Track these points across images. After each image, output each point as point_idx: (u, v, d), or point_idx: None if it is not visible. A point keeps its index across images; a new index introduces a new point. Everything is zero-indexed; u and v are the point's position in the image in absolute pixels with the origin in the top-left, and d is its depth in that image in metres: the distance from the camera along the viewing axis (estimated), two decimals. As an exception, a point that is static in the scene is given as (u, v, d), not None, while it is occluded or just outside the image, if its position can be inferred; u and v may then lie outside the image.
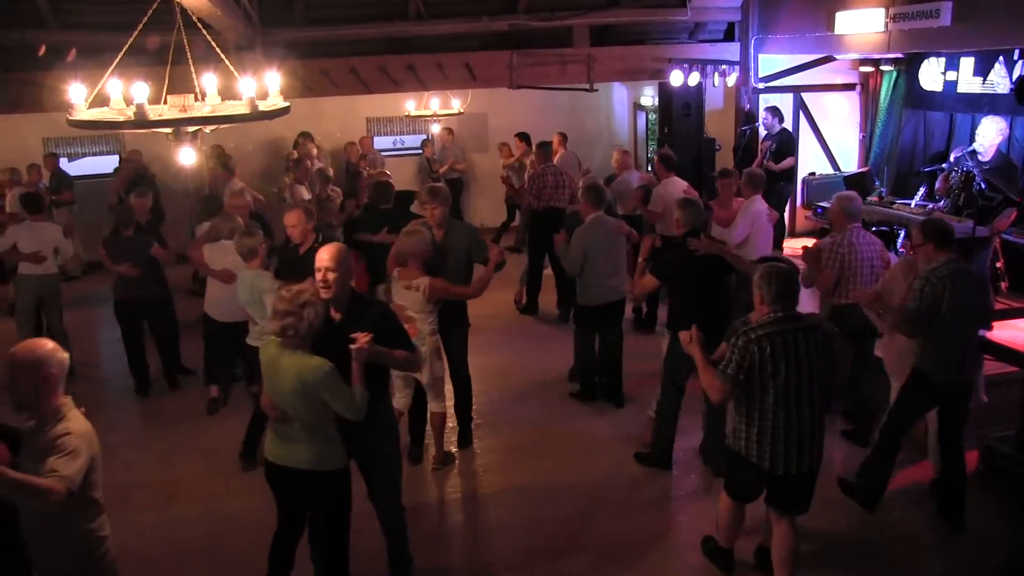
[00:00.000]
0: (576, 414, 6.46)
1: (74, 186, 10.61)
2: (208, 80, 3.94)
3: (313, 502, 3.89)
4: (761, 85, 9.76)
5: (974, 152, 7.02)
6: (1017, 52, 7.31)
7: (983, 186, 6.79)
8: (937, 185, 7.72)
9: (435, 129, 11.96)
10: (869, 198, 8.44)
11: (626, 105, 13.40)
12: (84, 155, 11.94)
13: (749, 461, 3.92)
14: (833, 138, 10.22)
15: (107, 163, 11.82)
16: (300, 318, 3.58)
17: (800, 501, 4.04)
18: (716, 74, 9.71)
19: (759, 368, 3.73)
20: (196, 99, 3.92)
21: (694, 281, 5.17)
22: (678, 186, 7.74)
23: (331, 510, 3.88)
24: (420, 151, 12.41)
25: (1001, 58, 7.76)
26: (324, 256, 3.86)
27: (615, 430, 6.13)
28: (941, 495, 4.88)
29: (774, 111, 9.20)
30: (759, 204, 6.81)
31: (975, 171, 6.93)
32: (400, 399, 5.34)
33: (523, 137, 10.58)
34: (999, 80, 7.85)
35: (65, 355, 3.11)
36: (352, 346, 3.64)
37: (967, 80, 8.32)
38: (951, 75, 8.54)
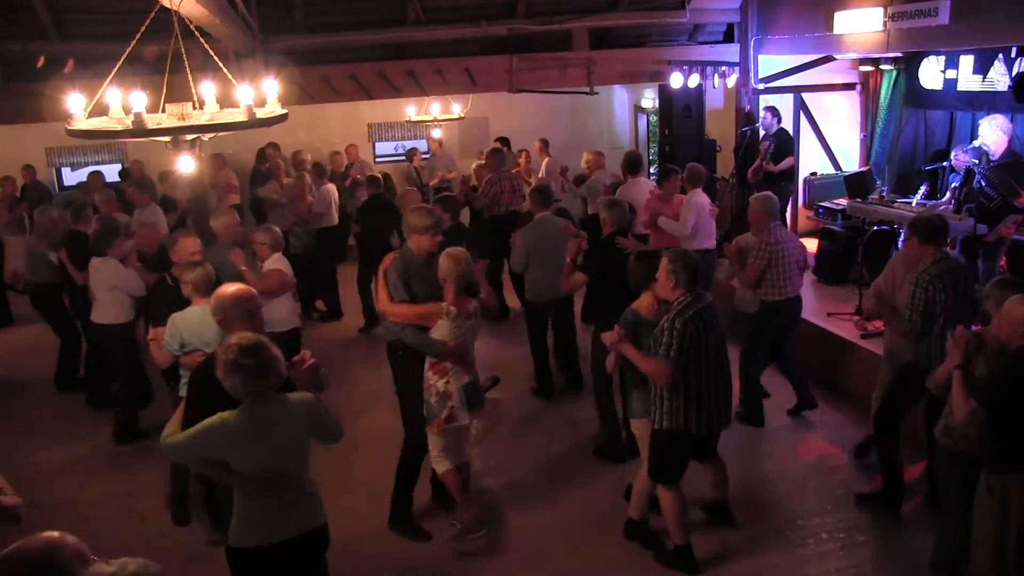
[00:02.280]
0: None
1: (53, 198, 10.64)
2: (206, 88, 3.96)
3: (321, 560, 3.48)
4: (761, 86, 9.76)
5: (983, 151, 7.02)
6: (1015, 50, 7.29)
7: (983, 183, 6.75)
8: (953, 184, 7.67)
9: (436, 135, 11.99)
10: (871, 197, 8.43)
11: (627, 107, 13.43)
12: (87, 164, 12.00)
13: (687, 433, 4.23)
14: (834, 138, 10.20)
15: (110, 172, 11.86)
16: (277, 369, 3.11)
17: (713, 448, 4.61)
18: (716, 75, 9.72)
19: (695, 345, 4.10)
20: (194, 107, 3.94)
21: (622, 278, 5.20)
22: (644, 187, 7.95)
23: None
24: (407, 160, 12.42)
25: (1000, 56, 7.75)
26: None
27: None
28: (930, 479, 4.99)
29: (772, 111, 9.21)
30: (700, 197, 7.26)
31: (975, 168, 6.90)
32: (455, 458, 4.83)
33: (505, 143, 10.71)
34: (999, 78, 7.83)
35: None
36: (302, 367, 3.37)
37: (967, 78, 8.30)
38: (951, 73, 8.52)
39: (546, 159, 10.46)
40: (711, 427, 4.31)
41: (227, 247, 5.82)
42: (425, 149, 12.67)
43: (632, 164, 8.17)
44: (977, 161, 6.95)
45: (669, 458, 4.37)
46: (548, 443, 6.08)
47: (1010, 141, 6.99)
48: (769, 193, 6.20)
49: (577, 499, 5.31)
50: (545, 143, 10.64)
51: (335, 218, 9.26)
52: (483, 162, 9.40)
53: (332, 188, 9.37)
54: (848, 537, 4.81)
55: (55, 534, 2.03)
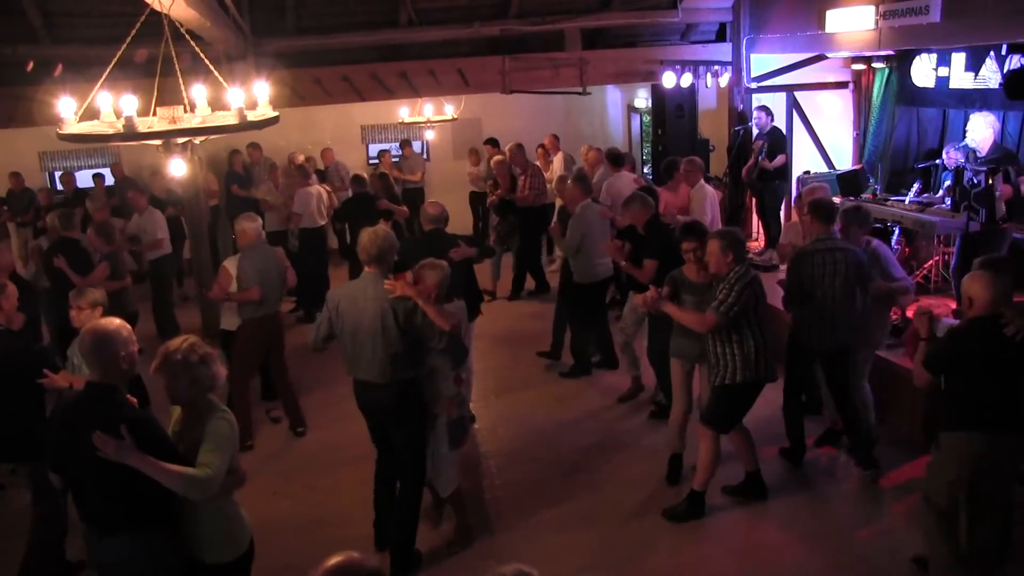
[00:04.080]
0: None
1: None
2: (197, 91, 3.94)
3: None
4: (754, 85, 9.78)
5: (971, 149, 7.03)
6: (1006, 47, 7.31)
7: (975, 180, 6.77)
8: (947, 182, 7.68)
9: (430, 136, 11.98)
10: (863, 195, 8.45)
11: (620, 107, 13.43)
12: (81, 168, 11.97)
13: (758, 382, 4.79)
14: (827, 136, 10.21)
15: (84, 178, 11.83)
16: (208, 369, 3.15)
17: None
18: (709, 75, 9.73)
19: (755, 304, 4.68)
20: (185, 110, 3.93)
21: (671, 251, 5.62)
22: (626, 180, 8.39)
23: None
24: (377, 161, 12.40)
25: (992, 53, 7.76)
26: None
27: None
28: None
29: (765, 110, 9.22)
30: (708, 187, 7.73)
31: (965, 166, 6.93)
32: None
33: (493, 143, 11.05)
34: (990, 75, 7.84)
35: None
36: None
37: (959, 76, 8.31)
38: (943, 71, 8.52)
39: (559, 153, 10.82)
40: (768, 375, 4.83)
41: (263, 247, 6.16)
42: (397, 152, 12.65)
43: (616, 159, 8.56)
44: (965, 159, 6.98)
45: (741, 408, 4.90)
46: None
47: (997, 138, 7.02)
48: (818, 184, 6.65)
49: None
50: (556, 139, 11.07)
51: (317, 220, 9.23)
52: (503, 158, 9.91)
53: (315, 190, 9.34)
54: (846, 533, 4.83)
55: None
